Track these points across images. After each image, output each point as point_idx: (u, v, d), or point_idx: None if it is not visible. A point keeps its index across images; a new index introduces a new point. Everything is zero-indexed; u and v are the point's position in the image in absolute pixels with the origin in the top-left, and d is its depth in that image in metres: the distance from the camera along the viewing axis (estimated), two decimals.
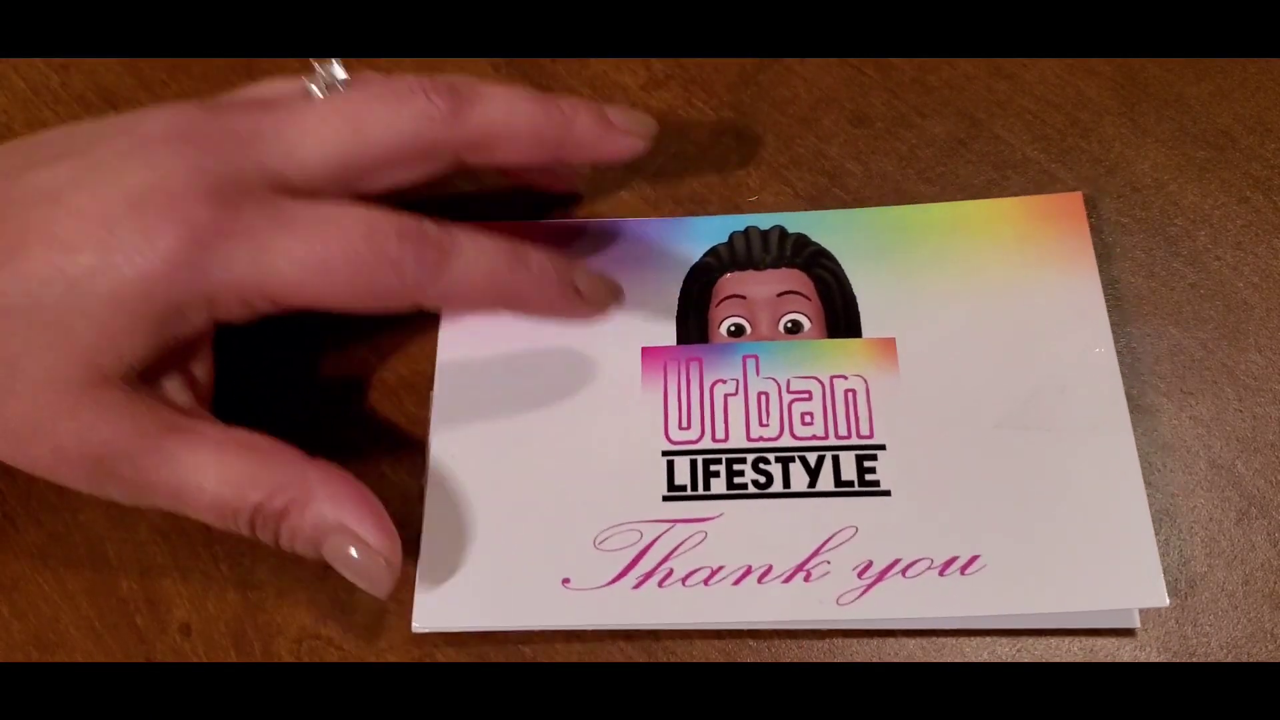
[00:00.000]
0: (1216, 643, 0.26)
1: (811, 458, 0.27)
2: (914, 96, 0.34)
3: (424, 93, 0.27)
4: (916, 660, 0.26)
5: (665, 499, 0.27)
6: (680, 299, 0.30)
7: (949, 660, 0.26)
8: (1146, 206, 0.31)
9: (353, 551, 0.24)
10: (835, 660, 0.26)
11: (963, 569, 0.26)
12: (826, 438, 0.28)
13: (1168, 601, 0.25)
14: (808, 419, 0.28)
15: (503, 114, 0.27)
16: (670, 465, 0.28)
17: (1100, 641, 0.26)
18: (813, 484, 0.27)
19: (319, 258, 0.24)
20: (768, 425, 0.28)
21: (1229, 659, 0.25)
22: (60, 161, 0.25)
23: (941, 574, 0.26)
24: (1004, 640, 0.26)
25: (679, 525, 0.27)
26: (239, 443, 0.25)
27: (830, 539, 0.26)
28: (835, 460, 0.27)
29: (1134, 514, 0.26)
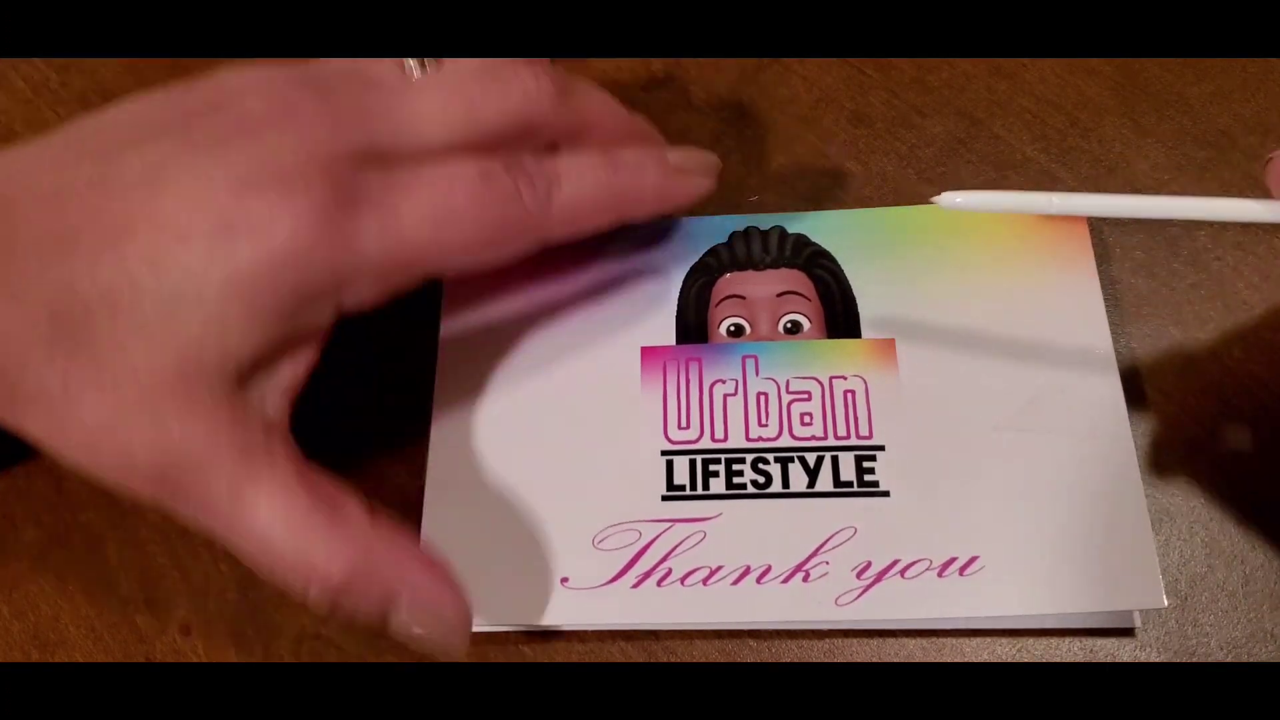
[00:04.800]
0: (1216, 643, 0.26)
1: (810, 458, 0.27)
2: (914, 96, 0.34)
3: (529, 71, 0.27)
4: (916, 660, 0.26)
5: (664, 499, 0.27)
6: (680, 299, 0.30)
7: (949, 660, 0.26)
8: None
9: (417, 630, 0.23)
10: (835, 660, 0.26)
11: (961, 570, 0.26)
12: (825, 438, 0.28)
13: (1165, 603, 0.25)
14: (807, 419, 0.28)
15: (596, 105, 0.28)
16: (669, 465, 0.28)
17: (1100, 641, 0.26)
18: (812, 484, 0.27)
19: (445, 209, 0.24)
20: (767, 425, 0.28)
21: (1229, 659, 0.25)
22: (155, 140, 0.24)
23: (940, 575, 0.26)
24: (1004, 640, 0.26)
25: (678, 525, 0.27)
26: (307, 490, 0.23)
27: (829, 539, 0.26)
28: (834, 460, 0.27)
29: (1133, 515, 0.26)
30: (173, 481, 0.23)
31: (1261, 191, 0.31)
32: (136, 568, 0.28)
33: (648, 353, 0.29)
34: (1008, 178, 0.32)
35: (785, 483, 0.27)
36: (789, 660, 0.26)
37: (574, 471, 0.28)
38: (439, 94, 0.26)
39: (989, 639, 0.26)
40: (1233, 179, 0.31)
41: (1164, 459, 0.28)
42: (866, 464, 0.27)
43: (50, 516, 0.29)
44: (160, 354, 0.22)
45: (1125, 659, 0.26)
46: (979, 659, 0.26)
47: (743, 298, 0.30)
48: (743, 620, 0.26)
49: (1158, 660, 0.26)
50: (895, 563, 0.26)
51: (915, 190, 0.32)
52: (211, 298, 0.22)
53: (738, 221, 0.31)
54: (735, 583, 0.26)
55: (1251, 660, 0.25)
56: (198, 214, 0.22)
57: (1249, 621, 0.26)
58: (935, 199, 0.24)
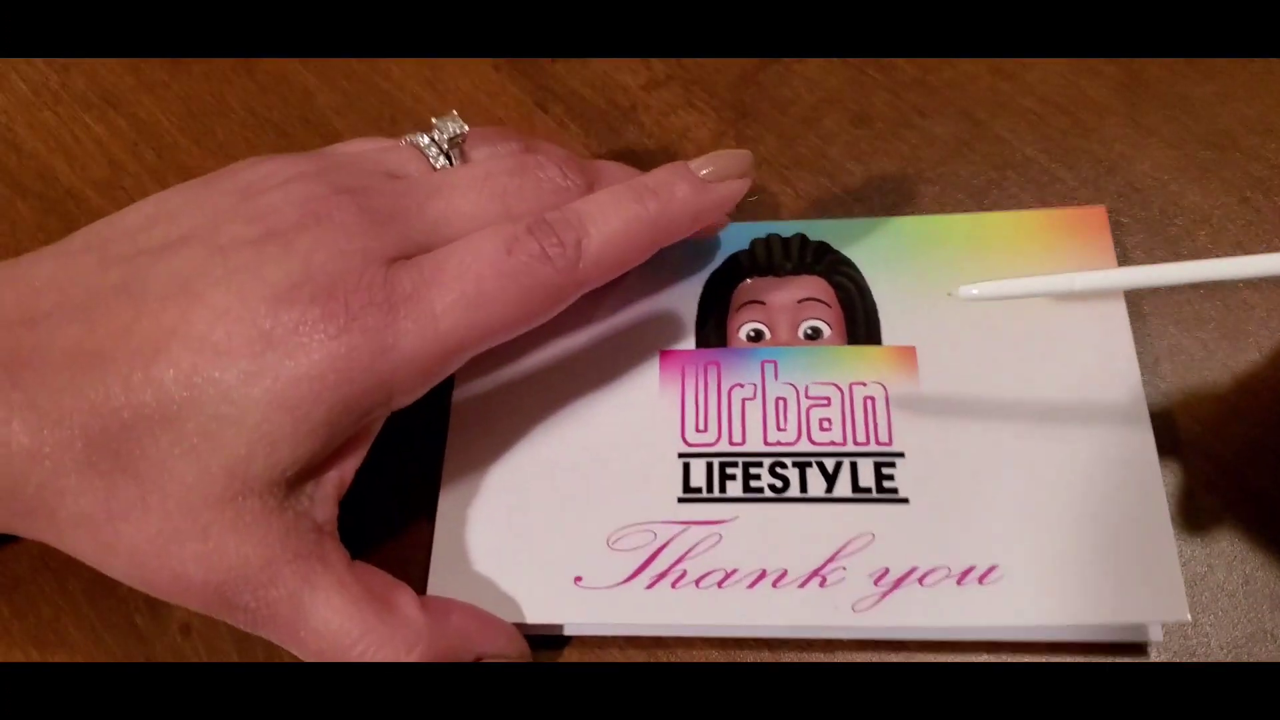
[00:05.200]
0: (1216, 643, 0.26)
1: (829, 463, 0.27)
2: (915, 97, 0.34)
3: (558, 167, 0.27)
4: (917, 660, 0.26)
5: (680, 500, 0.27)
6: (700, 304, 0.30)
7: (950, 659, 0.26)
8: (1147, 206, 0.31)
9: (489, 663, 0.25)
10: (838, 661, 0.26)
11: (980, 579, 0.25)
12: (844, 444, 0.27)
13: (1188, 617, 0.24)
14: (826, 425, 0.28)
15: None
16: (686, 467, 0.27)
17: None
18: (830, 490, 0.27)
19: (474, 291, 0.23)
20: (785, 430, 0.28)
21: (1229, 659, 0.25)
22: (182, 246, 0.23)
23: (959, 583, 0.25)
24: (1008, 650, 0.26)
25: (694, 527, 0.27)
26: (362, 587, 0.23)
27: (846, 545, 0.26)
28: (853, 467, 0.27)
29: (1155, 527, 0.25)
30: (229, 596, 0.23)
31: (1263, 192, 0.31)
32: None
33: (666, 356, 0.29)
34: (1009, 178, 0.32)
35: (803, 487, 0.27)
36: (788, 660, 0.26)
37: (590, 472, 0.28)
38: (471, 193, 0.26)
39: (997, 653, 0.26)
40: (1235, 179, 0.31)
41: (1164, 459, 0.28)
42: (885, 470, 0.27)
43: None
44: (206, 473, 0.22)
45: (1124, 659, 0.26)
46: (979, 659, 0.26)
47: (763, 303, 0.30)
48: (757, 624, 0.26)
49: (1157, 660, 0.26)
50: (913, 570, 0.26)
51: (916, 190, 0.32)
52: (256, 416, 0.22)
53: (759, 228, 0.31)
54: (751, 586, 0.26)
55: (1251, 660, 0.25)
56: (233, 329, 0.22)
57: (1249, 621, 0.26)
58: (953, 292, 0.24)
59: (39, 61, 0.38)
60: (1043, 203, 0.31)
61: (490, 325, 0.24)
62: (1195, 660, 0.25)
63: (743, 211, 0.32)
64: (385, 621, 0.23)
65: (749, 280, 0.30)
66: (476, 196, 0.26)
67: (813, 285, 0.30)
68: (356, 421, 0.23)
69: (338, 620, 0.23)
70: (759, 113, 0.34)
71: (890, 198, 0.32)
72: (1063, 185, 0.32)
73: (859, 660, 0.26)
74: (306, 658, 0.24)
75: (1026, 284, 0.25)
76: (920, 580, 0.25)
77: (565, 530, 0.27)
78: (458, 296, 0.23)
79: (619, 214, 0.26)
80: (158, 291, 0.23)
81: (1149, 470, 0.26)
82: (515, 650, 0.26)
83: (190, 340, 0.22)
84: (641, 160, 0.34)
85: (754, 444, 0.28)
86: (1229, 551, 0.27)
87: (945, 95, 0.34)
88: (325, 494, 0.24)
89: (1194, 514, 0.27)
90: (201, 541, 0.22)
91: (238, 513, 0.22)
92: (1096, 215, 0.30)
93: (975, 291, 0.24)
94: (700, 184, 0.27)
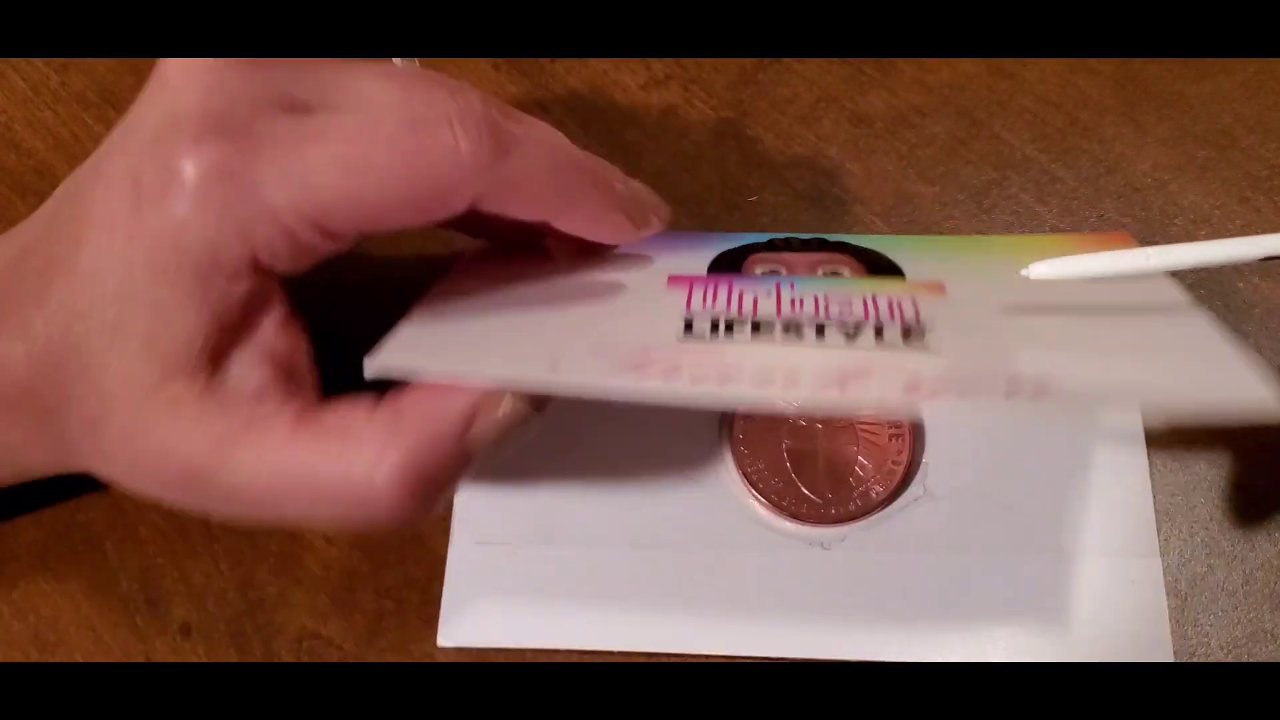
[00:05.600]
0: (1216, 643, 0.26)
1: (850, 325, 0.24)
2: (914, 96, 0.34)
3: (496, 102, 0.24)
4: (917, 659, 0.26)
5: (680, 341, 0.24)
6: (711, 264, 0.28)
7: (949, 659, 0.26)
8: (1147, 206, 0.31)
9: (504, 435, 0.22)
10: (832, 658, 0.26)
11: (1033, 395, 0.22)
12: (869, 319, 0.25)
13: (1274, 402, 0.21)
14: (848, 312, 0.25)
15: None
16: (688, 322, 0.24)
17: None
18: (851, 343, 0.24)
19: (360, 157, 0.21)
20: (800, 310, 0.25)
21: (1229, 659, 0.25)
22: (107, 137, 0.23)
23: (1008, 397, 0.22)
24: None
25: (693, 351, 0.24)
26: (309, 431, 0.22)
27: (871, 369, 0.23)
28: (877, 329, 0.24)
29: (1196, 326, 0.23)
30: (198, 487, 0.22)
31: (1262, 192, 0.31)
32: (136, 568, 0.28)
33: (674, 279, 0.27)
34: (1008, 177, 0.32)
35: (820, 335, 0.24)
36: (790, 659, 0.26)
37: (578, 313, 0.25)
38: (403, 82, 0.23)
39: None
40: (1233, 178, 0.31)
41: (1163, 458, 0.28)
42: (914, 334, 0.24)
43: (50, 516, 0.29)
44: (131, 361, 0.21)
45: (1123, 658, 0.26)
46: (979, 657, 0.26)
47: (780, 263, 0.28)
48: (765, 402, 0.23)
49: (1157, 660, 0.26)
50: (951, 382, 0.22)
51: (915, 190, 0.32)
52: (144, 285, 0.21)
53: (775, 235, 0.30)
54: (757, 386, 0.22)
55: (1251, 660, 0.25)
56: (121, 192, 0.21)
57: (1249, 621, 0.26)
58: (1024, 272, 0.23)
59: (39, 61, 0.38)
60: (1043, 203, 0.31)
61: (367, 199, 0.22)
62: (1196, 660, 0.25)
63: (742, 210, 0.32)
64: (343, 458, 0.21)
65: (763, 253, 0.29)
66: (387, 70, 0.23)
67: (832, 258, 0.29)
68: (231, 279, 0.22)
69: (300, 480, 0.21)
70: (758, 112, 0.34)
71: (889, 198, 0.32)
72: (1063, 185, 0.32)
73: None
74: (305, 524, 0.23)
75: (1100, 261, 0.23)
76: (960, 393, 0.22)
77: (537, 336, 0.24)
78: (336, 155, 0.21)
79: (550, 158, 0.24)
80: (85, 182, 0.22)
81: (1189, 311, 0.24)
82: (503, 405, 0.23)
83: (96, 218, 0.21)
84: (641, 160, 0.34)
85: (766, 314, 0.25)
86: (1229, 551, 0.27)
87: (944, 94, 0.34)
88: (253, 356, 0.22)
89: (1193, 514, 0.27)
90: (147, 435, 0.21)
91: (171, 398, 0.21)
92: (1120, 240, 0.29)
93: (1045, 269, 0.22)
94: (621, 196, 0.26)
